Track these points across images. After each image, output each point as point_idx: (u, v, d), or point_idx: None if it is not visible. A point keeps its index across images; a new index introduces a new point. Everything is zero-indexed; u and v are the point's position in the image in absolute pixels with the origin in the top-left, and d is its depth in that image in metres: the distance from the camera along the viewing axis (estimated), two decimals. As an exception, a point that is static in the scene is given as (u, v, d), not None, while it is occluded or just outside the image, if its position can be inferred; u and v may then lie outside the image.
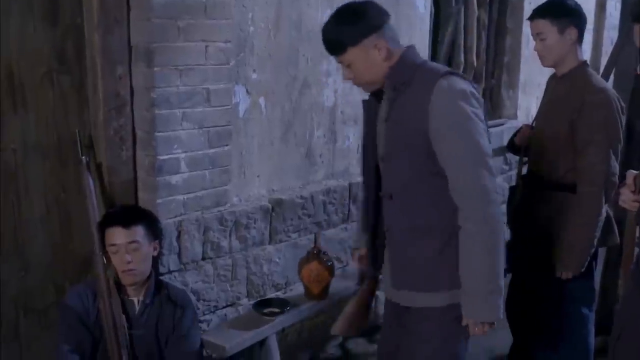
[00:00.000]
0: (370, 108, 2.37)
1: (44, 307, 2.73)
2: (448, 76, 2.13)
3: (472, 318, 2.20)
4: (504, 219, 2.18)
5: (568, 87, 2.90)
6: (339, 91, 3.70)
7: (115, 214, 2.53)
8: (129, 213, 2.55)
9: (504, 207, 2.28)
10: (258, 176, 3.34)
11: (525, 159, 3.23)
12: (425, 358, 2.33)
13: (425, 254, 2.25)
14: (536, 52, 2.97)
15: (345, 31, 2.17)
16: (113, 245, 2.44)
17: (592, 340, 3.01)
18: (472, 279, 2.16)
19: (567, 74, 2.93)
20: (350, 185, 3.80)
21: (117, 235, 2.43)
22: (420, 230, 2.24)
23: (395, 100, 2.20)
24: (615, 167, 2.81)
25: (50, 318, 2.74)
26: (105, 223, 2.49)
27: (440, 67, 2.24)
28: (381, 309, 4.16)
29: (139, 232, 2.46)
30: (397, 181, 2.26)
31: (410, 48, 2.25)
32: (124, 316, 2.47)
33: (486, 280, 2.14)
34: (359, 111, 3.86)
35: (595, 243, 2.86)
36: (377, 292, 2.66)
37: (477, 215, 2.11)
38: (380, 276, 2.54)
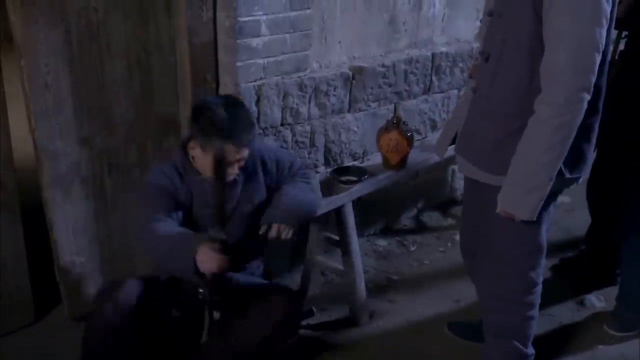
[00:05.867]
0: None
1: (128, 165, 2.80)
2: None
3: (504, 208, 2.14)
4: (579, 119, 1.99)
5: None
6: (427, -46, 3.51)
7: (229, 129, 2.25)
8: (243, 131, 2.28)
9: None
10: (339, 42, 3.24)
11: (625, 33, 3.02)
12: (503, 241, 2.30)
13: (498, 132, 2.16)
14: None
15: None
16: None
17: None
18: (520, 168, 2.07)
19: None
20: (433, 55, 3.66)
21: (228, 152, 2.25)
22: (501, 104, 2.14)
23: None
24: None
25: (133, 176, 2.82)
26: (217, 134, 2.25)
27: None
28: (458, 184, 4.15)
29: (247, 150, 2.34)
30: (498, 40, 2.12)
31: None
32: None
33: (535, 175, 2.04)
34: (449, -25, 3.70)
35: None
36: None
37: (555, 101, 1.96)
38: None
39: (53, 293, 2.89)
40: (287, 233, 2.39)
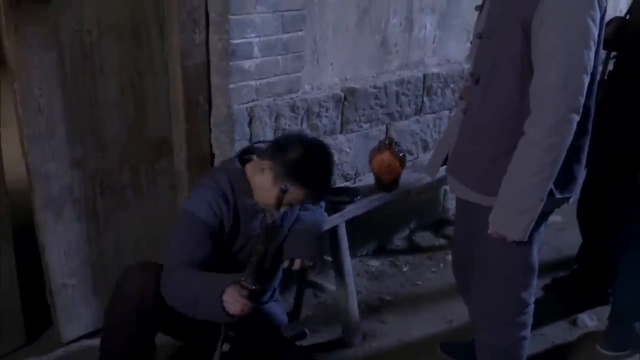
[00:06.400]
0: None
1: (120, 187, 2.80)
2: None
3: (496, 229, 2.14)
4: (569, 141, 2.00)
5: None
6: (417, -23, 3.54)
7: (326, 187, 2.28)
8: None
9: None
10: (331, 64, 3.27)
11: (614, 54, 3.05)
12: (495, 262, 2.31)
13: (488, 153, 2.17)
14: None
15: None
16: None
17: (668, 243, 2.92)
18: (511, 189, 2.08)
19: None
20: (424, 76, 3.69)
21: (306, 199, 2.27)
22: (491, 126, 2.16)
23: None
24: None
25: (126, 198, 2.82)
26: (316, 188, 2.25)
27: None
28: (450, 204, 4.16)
29: None
30: (489, 61, 2.14)
31: None
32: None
33: (525, 196, 2.05)
34: (438, -2, 3.74)
35: None
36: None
37: (544, 123, 1.97)
38: None
39: (45, 315, 2.88)
40: (309, 263, 2.41)
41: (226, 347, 2.22)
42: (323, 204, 2.63)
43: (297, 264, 2.40)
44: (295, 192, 2.20)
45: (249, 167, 2.30)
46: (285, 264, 2.42)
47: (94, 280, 2.85)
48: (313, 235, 2.46)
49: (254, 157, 2.35)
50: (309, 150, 2.19)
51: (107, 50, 2.59)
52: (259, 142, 2.47)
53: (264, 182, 2.22)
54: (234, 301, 2.05)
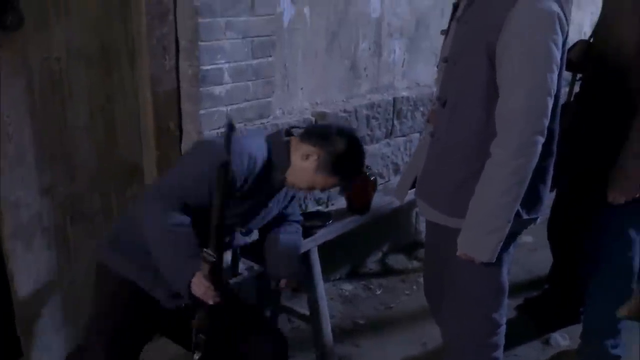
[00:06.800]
0: None
1: (91, 214, 2.78)
2: None
3: (464, 250, 2.16)
4: (534, 162, 2.03)
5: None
6: (386, 2, 3.60)
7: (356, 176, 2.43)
8: None
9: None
10: (301, 88, 3.29)
11: (579, 76, 3.11)
12: (466, 283, 2.32)
13: (456, 176, 2.19)
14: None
15: None
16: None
17: (636, 263, 2.96)
18: (478, 210, 2.09)
19: None
20: (394, 100, 3.73)
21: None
22: (459, 148, 2.18)
23: (475, 1, 2.09)
24: None
25: (96, 225, 2.80)
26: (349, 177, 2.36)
27: None
28: (422, 226, 4.18)
29: None
30: (455, 85, 2.17)
31: None
32: None
33: (493, 217, 2.07)
34: (406, 23, 3.78)
35: None
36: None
37: (510, 146, 1.99)
38: None
39: (14, 346, 2.82)
40: (294, 283, 2.45)
41: (197, 355, 2.20)
42: (300, 228, 2.64)
43: (282, 283, 2.43)
44: (329, 181, 2.28)
45: (292, 145, 2.30)
46: (273, 285, 2.45)
47: (65, 310, 2.81)
48: (292, 257, 2.48)
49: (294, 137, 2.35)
50: (352, 144, 2.28)
51: (77, 77, 2.59)
52: (294, 126, 2.48)
53: (305, 167, 2.25)
54: (199, 282, 2.04)
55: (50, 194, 2.64)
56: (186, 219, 2.09)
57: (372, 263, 4.05)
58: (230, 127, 2.00)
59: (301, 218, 2.67)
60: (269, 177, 2.27)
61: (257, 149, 2.24)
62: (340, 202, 3.30)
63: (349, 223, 3.15)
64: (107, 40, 2.64)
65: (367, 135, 3.61)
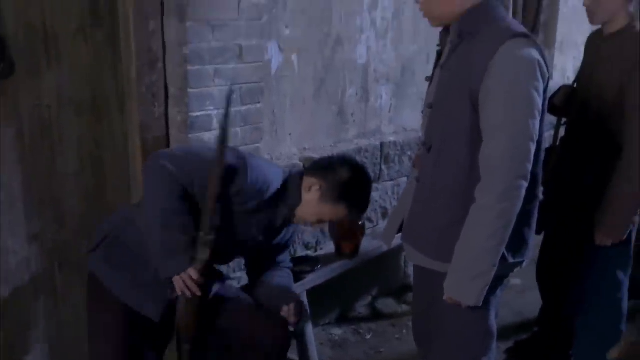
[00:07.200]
0: None
1: (79, 260, 2.77)
2: (519, 39, 2.00)
3: (450, 294, 2.16)
4: (519, 206, 2.05)
5: (617, 47, 2.76)
6: (372, 49, 3.66)
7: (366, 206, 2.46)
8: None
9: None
10: (290, 134, 3.33)
11: (564, 120, 3.16)
12: (454, 327, 2.32)
13: (442, 220, 2.20)
14: (581, 9, 2.85)
15: None
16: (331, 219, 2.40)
17: (625, 305, 2.98)
18: (464, 254, 2.10)
19: (616, 33, 2.79)
20: (382, 144, 3.77)
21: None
22: (444, 193, 2.19)
23: (457, 48, 2.12)
24: None
25: (84, 271, 2.78)
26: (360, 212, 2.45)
27: (515, 27, 2.07)
28: (412, 270, 4.18)
29: None
30: (439, 131, 2.19)
31: (495, 0, 2.12)
32: None
33: (478, 261, 2.08)
34: (392, 69, 3.85)
35: None
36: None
37: (494, 190, 2.01)
38: None
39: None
40: (294, 320, 2.48)
41: None
42: (291, 274, 2.66)
43: (284, 311, 2.44)
44: (336, 210, 2.31)
45: (303, 182, 2.34)
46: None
47: (52, 357, 2.78)
48: (289, 287, 2.56)
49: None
50: (356, 172, 2.33)
51: (67, 124, 2.61)
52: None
53: (309, 200, 2.30)
54: (186, 277, 2.10)
55: (38, 240, 2.64)
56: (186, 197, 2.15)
57: (361, 307, 4.03)
58: (231, 92, 2.14)
59: (291, 265, 2.67)
60: (275, 210, 2.31)
61: (274, 177, 2.28)
62: (329, 247, 3.31)
63: (338, 268, 3.16)
64: (98, 88, 2.67)
65: (355, 179, 3.63)
